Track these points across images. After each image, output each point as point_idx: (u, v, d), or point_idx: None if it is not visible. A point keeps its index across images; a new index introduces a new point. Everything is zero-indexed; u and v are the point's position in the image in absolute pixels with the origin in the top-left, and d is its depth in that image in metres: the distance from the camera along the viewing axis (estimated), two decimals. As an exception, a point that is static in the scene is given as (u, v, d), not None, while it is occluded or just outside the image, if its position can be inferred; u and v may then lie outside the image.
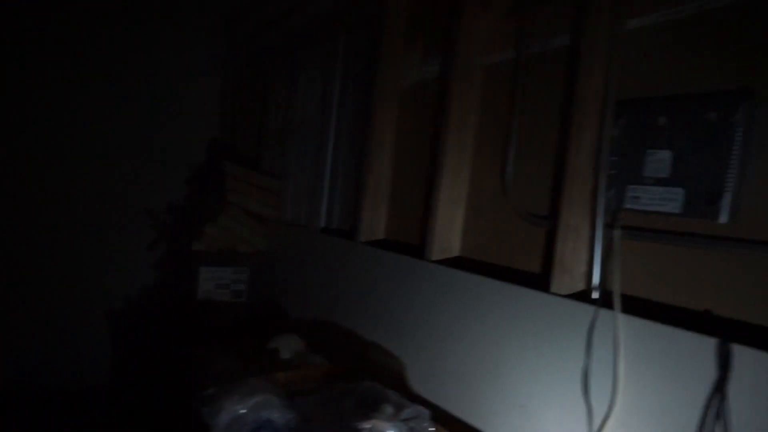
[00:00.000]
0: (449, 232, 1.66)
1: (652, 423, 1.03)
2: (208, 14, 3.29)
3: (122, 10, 3.07)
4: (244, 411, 1.13)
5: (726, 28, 1.08)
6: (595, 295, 1.19)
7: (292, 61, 2.80)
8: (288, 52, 2.90)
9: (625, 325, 1.08)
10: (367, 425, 1.10)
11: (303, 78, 2.67)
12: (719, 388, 0.92)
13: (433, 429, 1.24)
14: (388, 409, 1.16)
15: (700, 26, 1.12)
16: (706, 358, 0.95)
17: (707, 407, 0.94)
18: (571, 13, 1.36)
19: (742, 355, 0.91)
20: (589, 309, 1.17)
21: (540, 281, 1.29)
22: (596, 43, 1.23)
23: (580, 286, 1.24)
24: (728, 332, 0.94)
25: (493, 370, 1.37)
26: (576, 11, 1.35)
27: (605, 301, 1.13)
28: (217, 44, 3.37)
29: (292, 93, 2.75)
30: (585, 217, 1.24)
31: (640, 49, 1.22)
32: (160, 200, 3.10)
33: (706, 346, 0.96)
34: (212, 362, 1.72)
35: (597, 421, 1.11)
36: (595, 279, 1.20)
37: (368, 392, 1.25)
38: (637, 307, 1.11)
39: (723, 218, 1.03)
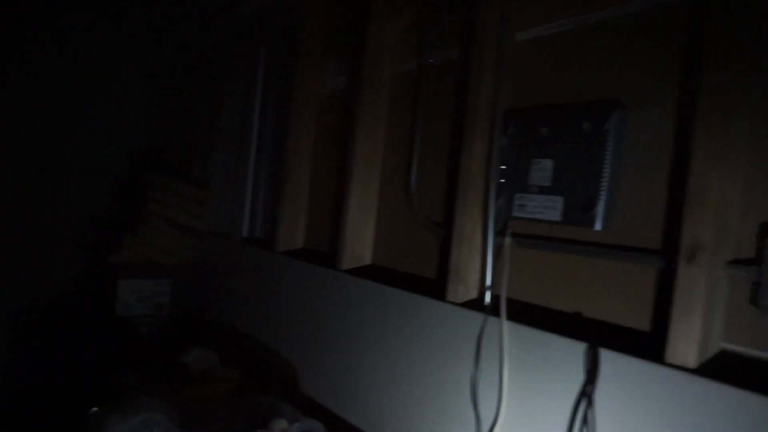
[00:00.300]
0: (360, 241, 1.65)
1: (536, 429, 1.04)
2: (137, 22, 3.20)
3: (43, 13, 2.95)
4: (125, 431, 1.09)
5: (600, 41, 1.11)
6: (488, 302, 1.20)
7: (218, 69, 2.75)
8: (215, 60, 2.85)
9: (510, 332, 1.09)
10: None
11: (228, 87, 2.63)
12: (586, 393, 0.94)
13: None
14: (280, 424, 1.14)
15: (578, 40, 1.15)
16: (580, 363, 0.97)
17: (574, 413, 0.96)
18: (463, 26, 1.38)
19: (610, 360, 0.93)
20: (481, 317, 1.18)
21: (437, 290, 1.29)
22: (485, 55, 1.25)
23: (474, 294, 1.26)
24: (597, 337, 0.95)
25: (393, 379, 1.36)
26: (465, 24, 1.38)
27: (494, 309, 1.14)
28: (147, 51, 3.28)
29: (217, 101, 2.70)
30: (477, 225, 1.25)
31: (526, 61, 1.25)
32: (81, 211, 2.98)
33: (579, 351, 0.97)
34: (117, 379, 1.65)
35: (486, 430, 1.12)
36: (487, 287, 1.21)
37: (262, 407, 1.22)
38: (523, 313, 1.13)
39: (598, 225, 1.05)
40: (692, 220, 0.87)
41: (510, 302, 1.16)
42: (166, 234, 2.56)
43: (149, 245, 2.52)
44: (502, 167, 1.21)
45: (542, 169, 1.15)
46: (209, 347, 1.91)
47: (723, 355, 0.90)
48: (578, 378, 0.97)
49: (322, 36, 2.01)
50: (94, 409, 1.19)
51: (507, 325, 1.10)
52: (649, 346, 0.93)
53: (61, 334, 2.61)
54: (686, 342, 0.86)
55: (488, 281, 1.21)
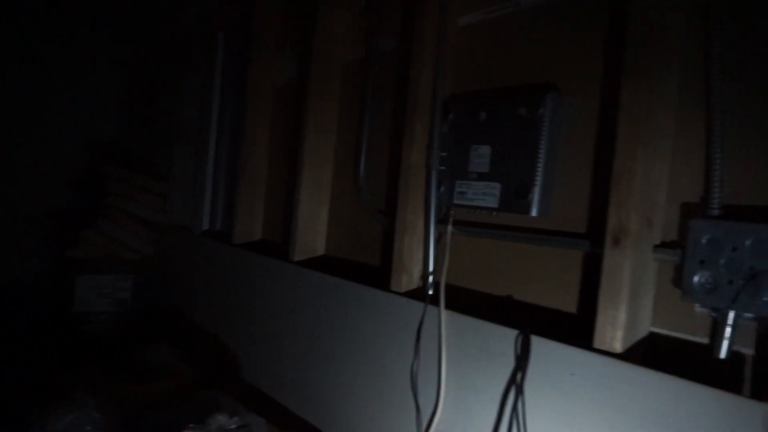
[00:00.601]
0: (312, 233, 1.63)
1: (473, 419, 1.03)
2: (98, 9, 3.12)
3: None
4: (57, 429, 1.06)
5: (537, 25, 1.10)
6: (430, 291, 1.19)
7: (180, 58, 2.70)
8: (176, 49, 2.80)
9: (448, 321, 1.08)
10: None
11: (188, 77, 2.57)
12: (515, 381, 0.93)
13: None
14: (218, 419, 1.12)
15: (516, 23, 1.14)
16: (513, 351, 0.96)
17: (504, 400, 0.95)
18: (403, 12, 1.36)
19: (541, 346, 0.92)
20: (429, 307, 1.16)
21: (382, 280, 1.28)
22: (424, 42, 1.23)
23: (418, 283, 1.24)
24: (529, 324, 0.95)
25: (339, 371, 1.35)
26: (406, 10, 1.35)
27: (434, 298, 1.13)
28: (109, 40, 3.20)
29: (178, 92, 2.65)
30: (419, 213, 1.23)
31: (468, 46, 1.23)
32: (39, 205, 2.91)
33: (512, 338, 0.97)
34: (67, 376, 1.62)
35: (426, 421, 1.11)
36: (429, 275, 1.20)
37: (206, 402, 1.20)
38: (462, 300, 1.12)
39: (533, 212, 1.04)
40: (617, 204, 0.86)
41: (451, 289, 1.15)
42: (127, 228, 2.51)
43: (110, 240, 2.47)
44: (443, 154, 1.20)
45: (481, 156, 1.14)
46: (166, 343, 1.88)
47: (652, 338, 0.89)
48: (513, 365, 0.96)
49: (278, 24, 1.97)
50: (32, 407, 1.16)
51: (445, 314, 1.09)
52: (580, 330, 0.92)
53: (15, 330, 2.56)
54: (613, 327, 0.85)
55: (430, 270, 1.20)
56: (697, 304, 0.83)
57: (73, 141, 3.03)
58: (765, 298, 0.73)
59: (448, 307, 1.09)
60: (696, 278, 0.81)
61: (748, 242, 0.76)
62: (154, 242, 2.58)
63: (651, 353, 0.88)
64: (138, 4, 3.13)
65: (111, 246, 2.48)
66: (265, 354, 1.64)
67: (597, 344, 0.87)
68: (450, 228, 1.18)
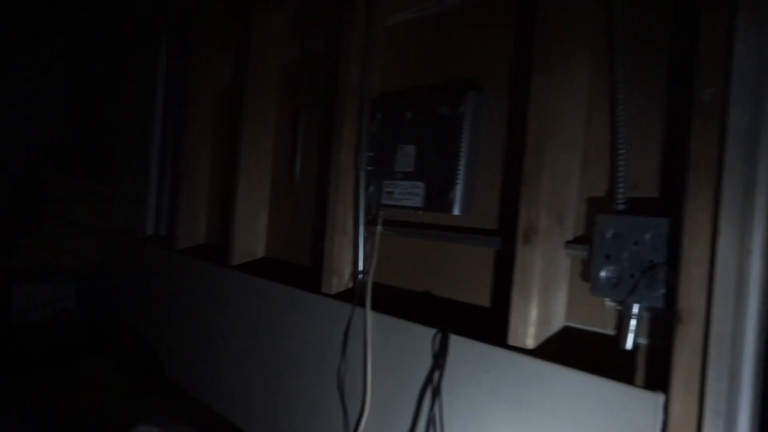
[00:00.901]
0: (251, 235, 1.60)
1: (399, 419, 1.02)
2: (36, 9, 3.02)
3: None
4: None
5: (462, 24, 1.10)
6: (359, 293, 1.18)
7: (125, 58, 2.64)
8: (120, 49, 2.73)
9: (375, 322, 1.07)
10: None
11: (136, 77, 2.52)
12: (432, 380, 0.93)
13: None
14: (141, 430, 1.08)
15: (440, 22, 1.14)
16: (431, 349, 0.96)
17: (422, 397, 0.95)
18: (332, 11, 1.36)
19: (459, 344, 0.92)
20: (357, 309, 1.15)
21: (313, 282, 1.26)
22: (352, 41, 1.22)
23: (349, 284, 1.23)
24: (448, 323, 0.94)
25: (271, 375, 1.33)
26: (334, 10, 1.35)
27: (362, 299, 1.12)
28: (49, 41, 3.10)
29: (124, 93, 2.59)
30: (349, 214, 1.22)
31: (397, 45, 1.23)
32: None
33: (430, 336, 0.96)
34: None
35: (354, 422, 1.10)
36: (359, 277, 1.19)
37: (130, 413, 1.16)
38: (390, 301, 1.11)
39: (455, 210, 1.04)
40: (527, 201, 0.87)
41: (381, 288, 1.15)
42: (69, 234, 2.43)
43: (50, 246, 2.39)
44: (370, 154, 1.19)
45: (407, 155, 1.14)
46: (106, 352, 1.82)
47: (566, 332, 0.90)
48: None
49: (218, 25, 1.94)
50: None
51: (371, 315, 1.08)
52: (497, 327, 0.93)
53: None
54: (525, 323, 0.86)
55: (360, 271, 1.19)
56: (605, 298, 0.84)
57: (12, 144, 2.92)
58: (659, 291, 0.74)
59: (375, 307, 1.09)
60: (602, 273, 0.82)
61: (647, 236, 0.78)
62: (100, 248, 2.50)
63: (564, 347, 0.88)
64: (75, 3, 3.04)
65: (51, 252, 2.40)
66: (203, 359, 1.61)
67: (511, 341, 0.87)
68: (379, 229, 1.17)
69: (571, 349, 0.88)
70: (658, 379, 0.72)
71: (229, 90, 1.88)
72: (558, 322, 0.90)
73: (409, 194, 1.12)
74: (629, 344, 0.79)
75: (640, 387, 0.72)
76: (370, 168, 1.19)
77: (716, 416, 0.65)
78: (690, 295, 0.69)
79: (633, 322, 0.79)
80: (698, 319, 0.67)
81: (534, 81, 0.88)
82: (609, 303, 0.85)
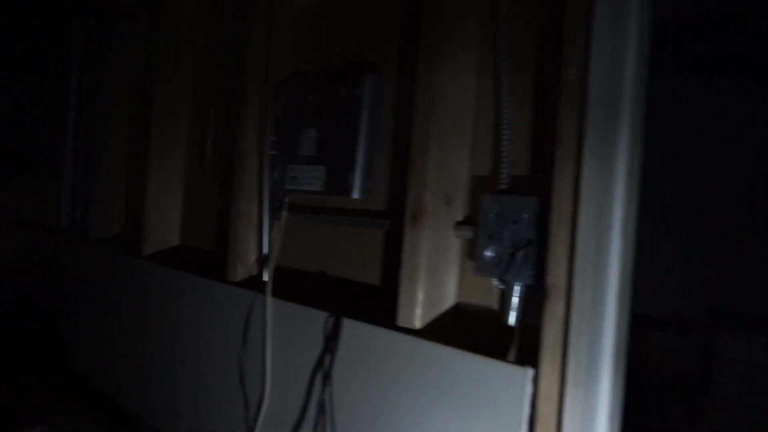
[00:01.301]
0: (163, 223, 1.55)
1: (299, 406, 1.01)
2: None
3: None
4: None
5: (358, 6, 1.09)
6: (265, 278, 1.16)
7: (38, 47, 2.50)
8: (43, 32, 2.59)
9: (275, 308, 1.06)
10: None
11: (50, 65, 2.39)
12: (322, 364, 0.92)
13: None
14: None
15: (340, 5, 1.13)
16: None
17: (313, 380, 0.94)
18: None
19: (350, 327, 0.92)
20: (258, 296, 1.13)
21: (219, 269, 1.23)
22: (256, 21, 1.19)
23: (253, 271, 1.21)
24: (341, 306, 0.94)
25: (179, 368, 1.29)
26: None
27: (263, 286, 1.09)
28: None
29: (40, 83, 2.46)
30: (254, 200, 1.20)
31: (303, 26, 1.21)
32: None
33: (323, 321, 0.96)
34: None
35: (254, 411, 1.08)
36: (263, 263, 1.17)
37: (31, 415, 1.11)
38: (293, 287, 1.10)
39: (355, 194, 1.03)
40: (414, 182, 0.87)
41: (285, 273, 1.13)
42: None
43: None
44: (274, 138, 1.17)
45: (309, 139, 1.12)
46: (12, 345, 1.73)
47: (457, 310, 0.91)
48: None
49: (132, 8, 1.86)
50: None
51: (272, 302, 1.06)
52: (390, 308, 0.92)
53: None
54: (412, 304, 0.86)
55: (265, 258, 1.17)
56: (489, 277, 0.85)
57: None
58: (531, 268, 0.76)
59: (277, 294, 1.07)
60: (486, 252, 0.83)
61: (525, 215, 0.79)
62: (12, 242, 2.38)
63: (452, 326, 0.89)
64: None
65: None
66: (110, 351, 1.56)
67: (400, 321, 0.87)
68: (285, 214, 1.15)
69: (459, 328, 0.89)
70: (526, 354, 0.73)
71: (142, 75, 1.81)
72: (448, 301, 0.91)
73: (311, 178, 1.11)
74: (512, 321, 0.81)
75: (511, 362, 0.74)
76: (274, 152, 1.17)
77: (576, 387, 0.67)
78: (556, 271, 0.70)
79: (515, 300, 0.80)
80: (562, 294, 0.69)
81: (421, 62, 0.87)
82: (495, 281, 0.86)
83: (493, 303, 0.87)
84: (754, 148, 2.53)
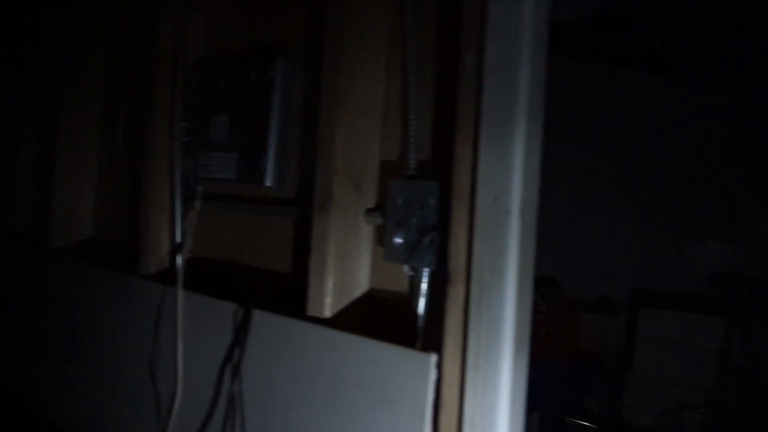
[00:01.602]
0: (73, 215, 1.46)
1: (210, 401, 0.98)
2: None
3: None
4: None
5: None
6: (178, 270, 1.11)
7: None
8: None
9: (187, 301, 1.02)
10: None
11: None
12: (231, 357, 0.90)
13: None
14: None
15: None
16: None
17: (223, 370, 0.92)
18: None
19: (262, 319, 0.89)
20: (169, 289, 1.08)
21: (131, 262, 1.18)
22: (167, 4, 1.13)
23: (166, 263, 1.16)
24: (249, 298, 0.91)
25: (91, 366, 1.23)
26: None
27: (175, 279, 1.05)
28: None
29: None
30: (166, 189, 1.14)
31: (215, 9, 1.15)
32: None
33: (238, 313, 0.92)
34: None
35: (166, 408, 1.04)
36: (176, 255, 1.12)
37: None
38: (205, 277, 1.06)
39: (268, 182, 1.00)
40: (322, 169, 0.85)
41: (198, 264, 1.09)
42: None
43: None
44: (185, 124, 1.12)
45: (221, 125, 1.08)
46: None
47: (370, 297, 0.90)
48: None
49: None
50: None
51: (183, 295, 1.02)
52: (300, 298, 0.90)
53: None
54: (321, 293, 0.84)
55: (178, 249, 1.12)
56: (398, 263, 0.84)
57: None
58: (434, 253, 0.75)
59: (190, 286, 1.03)
60: (395, 238, 0.82)
61: (431, 200, 0.78)
62: None
63: (364, 314, 0.88)
64: None
65: None
66: (19, 352, 1.46)
67: (310, 311, 0.85)
68: (198, 204, 1.11)
69: (372, 316, 0.88)
70: (431, 340, 0.73)
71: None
72: (361, 289, 0.89)
73: (223, 166, 1.07)
74: (421, 308, 0.80)
75: (417, 349, 0.73)
76: (186, 139, 1.12)
77: (476, 372, 0.67)
78: (457, 256, 0.70)
79: (423, 286, 0.80)
80: (462, 279, 0.69)
81: (327, 44, 0.85)
82: (405, 268, 0.85)
83: (407, 289, 0.86)
84: (674, 135, 2.65)
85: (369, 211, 0.88)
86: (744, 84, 2.44)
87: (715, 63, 2.33)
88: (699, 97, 2.57)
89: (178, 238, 1.13)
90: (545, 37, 0.70)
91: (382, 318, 0.87)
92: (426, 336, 0.78)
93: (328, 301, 0.84)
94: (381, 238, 0.89)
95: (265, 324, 0.89)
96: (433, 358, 0.71)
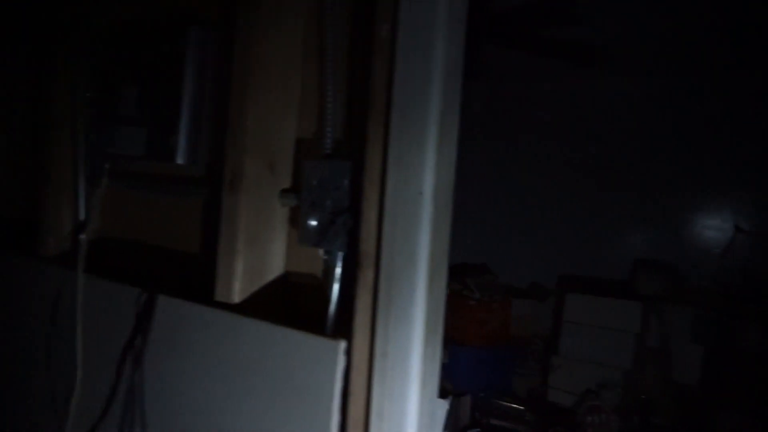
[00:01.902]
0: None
1: (107, 393, 0.91)
2: None
3: None
4: None
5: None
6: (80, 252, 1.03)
7: None
8: None
9: (88, 286, 0.94)
10: None
11: None
12: (134, 344, 0.84)
13: None
14: None
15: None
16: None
17: (124, 358, 0.86)
18: None
19: (167, 304, 0.84)
20: (69, 273, 1.00)
21: (30, 243, 1.09)
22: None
23: (68, 244, 1.08)
24: (153, 283, 0.85)
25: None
26: None
27: (76, 262, 0.97)
28: None
29: None
30: (68, 165, 1.06)
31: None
32: None
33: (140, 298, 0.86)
34: None
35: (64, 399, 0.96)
36: (78, 235, 1.04)
37: None
38: (111, 259, 0.99)
39: (179, 159, 0.94)
40: (232, 147, 0.80)
41: (103, 244, 1.02)
42: None
43: None
44: (89, 95, 1.03)
45: (130, 98, 1.00)
46: None
47: (283, 283, 0.86)
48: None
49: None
50: None
51: (84, 279, 0.94)
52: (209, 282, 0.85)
53: None
54: (230, 278, 0.80)
55: (80, 230, 1.04)
56: (312, 247, 0.81)
57: None
58: (345, 236, 0.73)
59: (93, 269, 0.96)
60: (309, 221, 0.79)
61: (345, 181, 0.75)
62: None
63: (277, 299, 0.84)
64: None
65: None
66: None
67: (218, 296, 0.81)
68: (105, 181, 1.03)
69: (285, 301, 0.85)
70: (341, 326, 0.70)
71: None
72: (275, 272, 0.85)
73: (132, 141, 0.99)
74: (334, 293, 0.77)
75: (327, 336, 0.70)
76: (92, 111, 1.03)
77: (384, 358, 0.65)
78: (368, 239, 0.67)
79: (337, 270, 0.77)
80: (372, 263, 0.66)
81: (241, 13, 0.80)
82: (320, 251, 0.82)
83: (319, 273, 0.83)
84: (600, 126, 2.73)
85: (284, 192, 0.84)
86: (668, 77, 2.54)
87: (641, 56, 2.41)
88: (624, 88, 2.65)
89: (82, 217, 1.05)
90: (464, 17, 0.68)
91: (296, 303, 0.84)
92: (338, 322, 0.75)
93: (237, 286, 0.80)
94: (297, 220, 0.85)
95: (170, 310, 0.83)
96: (342, 345, 0.68)
